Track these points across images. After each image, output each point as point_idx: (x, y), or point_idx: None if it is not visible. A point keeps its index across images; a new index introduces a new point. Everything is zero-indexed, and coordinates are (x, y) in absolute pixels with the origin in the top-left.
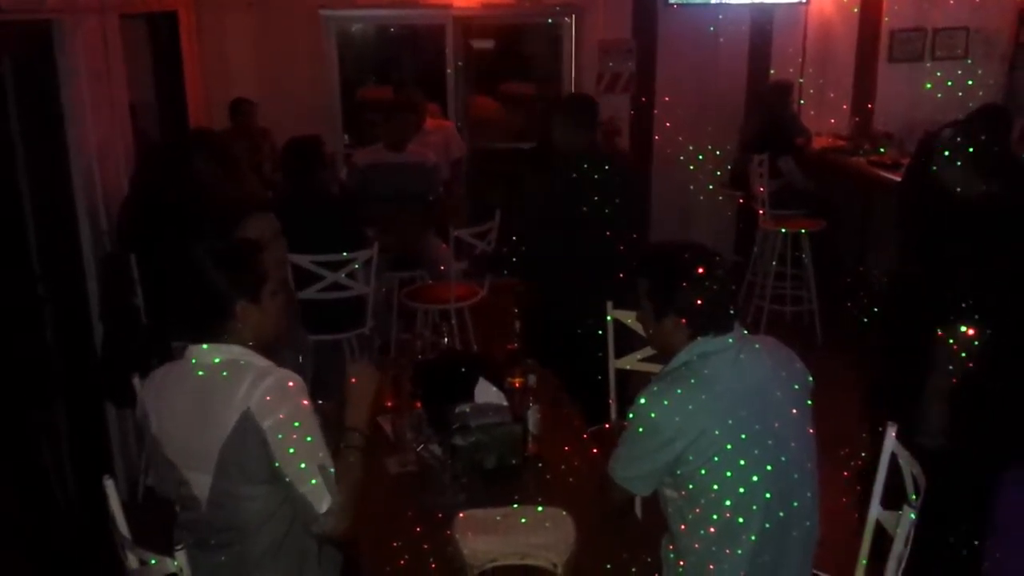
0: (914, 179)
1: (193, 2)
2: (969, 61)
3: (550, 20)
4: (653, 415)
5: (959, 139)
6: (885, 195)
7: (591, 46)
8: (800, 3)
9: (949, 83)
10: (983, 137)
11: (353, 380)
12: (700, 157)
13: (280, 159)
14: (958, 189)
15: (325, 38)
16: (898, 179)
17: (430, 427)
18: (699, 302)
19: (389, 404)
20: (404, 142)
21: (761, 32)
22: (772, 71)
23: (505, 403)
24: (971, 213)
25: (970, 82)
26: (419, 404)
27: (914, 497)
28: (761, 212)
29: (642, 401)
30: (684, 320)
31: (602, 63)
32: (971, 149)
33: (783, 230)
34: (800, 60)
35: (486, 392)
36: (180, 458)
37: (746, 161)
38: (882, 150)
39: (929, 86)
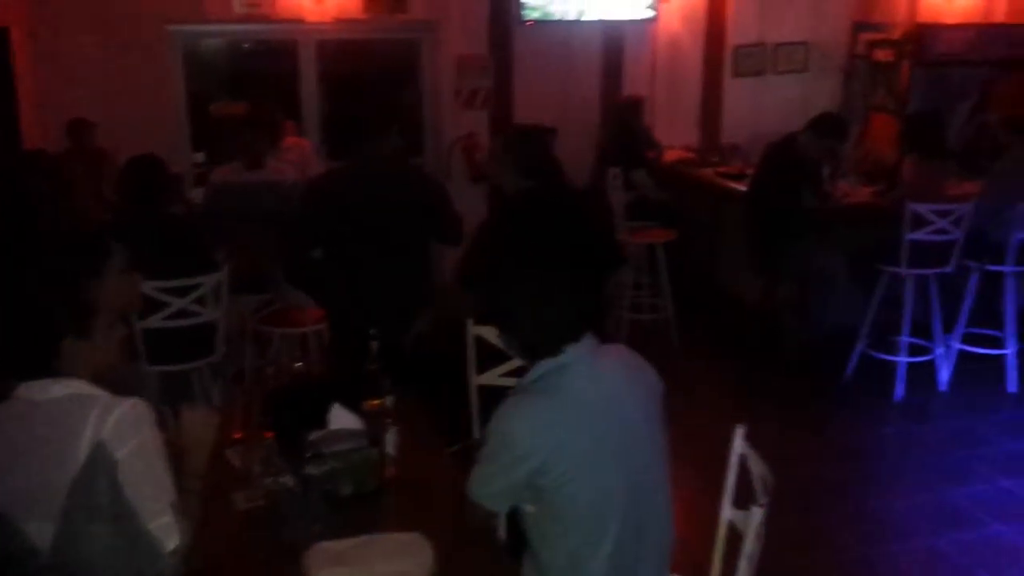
0: (761, 187)
1: (28, 18)
2: (808, 73)
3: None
4: (509, 431)
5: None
6: (733, 204)
7: (448, 62)
8: (648, 21)
9: (791, 96)
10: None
11: (190, 426)
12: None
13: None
14: None
15: (171, 54)
16: (744, 188)
17: (281, 457)
18: (554, 315)
19: (238, 436)
20: (261, 159)
21: (613, 49)
22: (624, 86)
23: (361, 427)
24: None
25: (810, 93)
26: (270, 434)
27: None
28: (617, 223)
29: (498, 417)
30: (540, 334)
31: (459, 79)
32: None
33: (638, 241)
34: (650, 76)
35: (341, 417)
36: (15, 508)
37: (602, 174)
38: (729, 162)
39: (773, 99)
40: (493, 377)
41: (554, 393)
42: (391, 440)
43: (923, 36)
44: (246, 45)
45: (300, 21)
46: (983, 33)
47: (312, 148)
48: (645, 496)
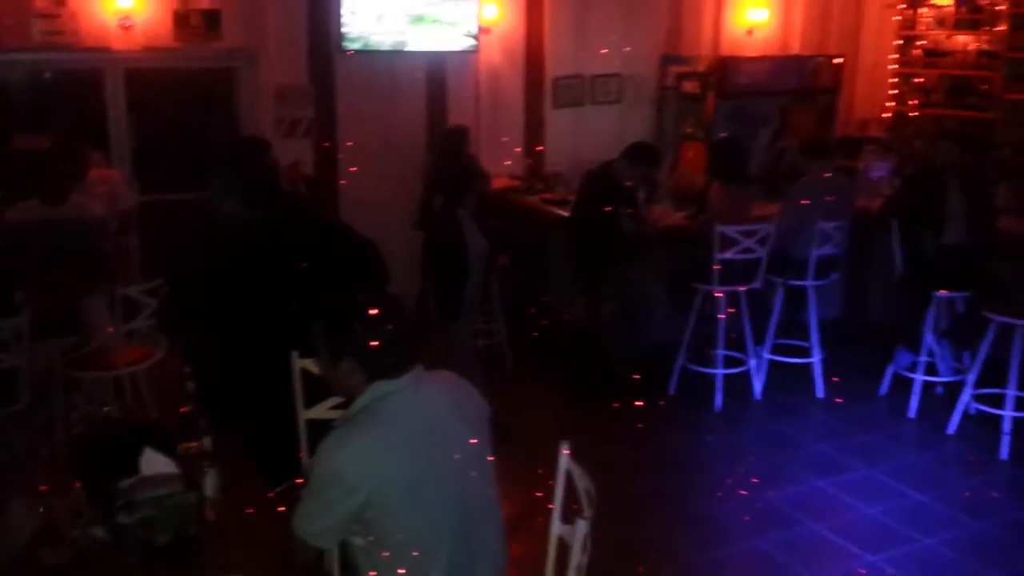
0: (582, 213)
1: None
2: (623, 104)
3: (221, 65)
4: (334, 465)
5: None
6: (557, 229)
7: (267, 91)
8: (470, 52)
9: (609, 125)
10: None
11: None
12: (389, 200)
13: None
14: None
15: None
16: (567, 214)
17: (91, 508)
18: (374, 344)
19: (43, 489)
20: (62, 194)
21: (436, 79)
22: (449, 116)
23: (177, 471)
24: None
25: (625, 123)
26: (77, 484)
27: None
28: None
29: (322, 452)
30: (360, 363)
31: (280, 108)
32: None
33: None
34: (475, 106)
35: (153, 462)
36: None
37: (430, 203)
38: (553, 189)
39: (591, 129)
40: (322, 411)
41: (378, 423)
42: (210, 483)
43: (726, 69)
44: (48, 74)
45: (106, 49)
46: (780, 65)
47: (123, 180)
48: (475, 519)
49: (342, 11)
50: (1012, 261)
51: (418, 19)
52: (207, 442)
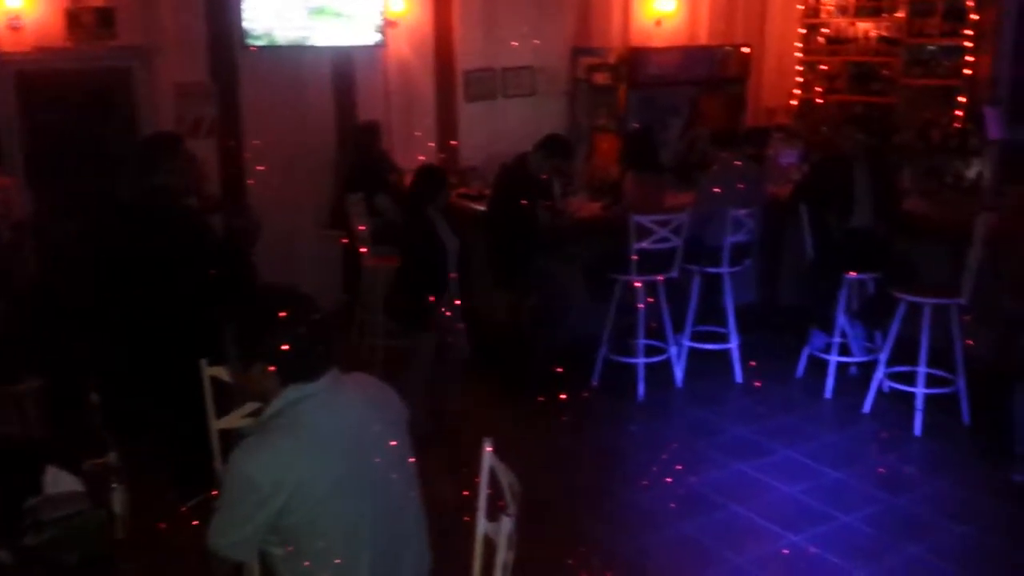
0: (498, 207)
1: None
2: (536, 96)
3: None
4: (248, 473)
5: None
6: (475, 224)
7: (167, 90)
8: (378, 46)
9: (522, 118)
10: None
11: None
12: (300, 199)
13: None
14: None
15: None
16: (484, 209)
17: None
18: (286, 347)
19: None
20: None
21: (344, 74)
22: (359, 112)
23: (83, 488)
24: None
25: (540, 116)
26: None
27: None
28: (364, 250)
29: (234, 460)
30: (273, 367)
31: (181, 107)
32: None
33: (387, 266)
34: (385, 100)
35: (58, 480)
36: None
37: (344, 200)
38: (469, 183)
39: (505, 121)
40: (236, 419)
41: (292, 429)
42: (119, 499)
43: (636, 60)
44: None
45: None
46: (689, 55)
47: (16, 186)
48: (397, 522)
49: (243, 5)
50: (918, 241)
51: (318, 12)
52: (113, 457)
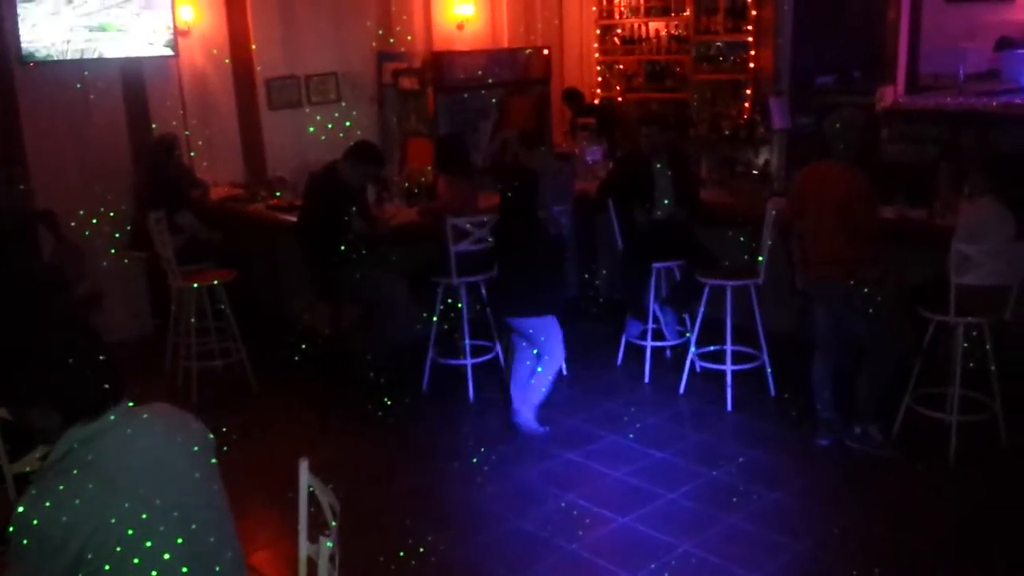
0: (310, 217)
1: None
2: (343, 103)
3: None
4: (36, 522)
5: None
6: (289, 236)
7: None
8: (169, 56)
9: (330, 125)
10: None
11: None
12: (95, 221)
13: None
14: None
15: None
16: (294, 219)
17: None
18: (61, 385)
19: None
20: None
21: (134, 87)
22: (154, 125)
23: None
24: None
25: (348, 123)
26: None
27: (333, 524)
28: (169, 270)
29: (20, 509)
30: (52, 407)
31: None
32: None
33: (195, 285)
34: (181, 112)
35: None
36: None
37: (144, 219)
38: (278, 194)
39: (312, 129)
40: (32, 462)
41: (85, 468)
42: None
43: (440, 63)
44: None
45: None
46: (492, 58)
47: None
48: (210, 556)
49: (19, 21)
50: (717, 228)
51: (101, 28)
52: None
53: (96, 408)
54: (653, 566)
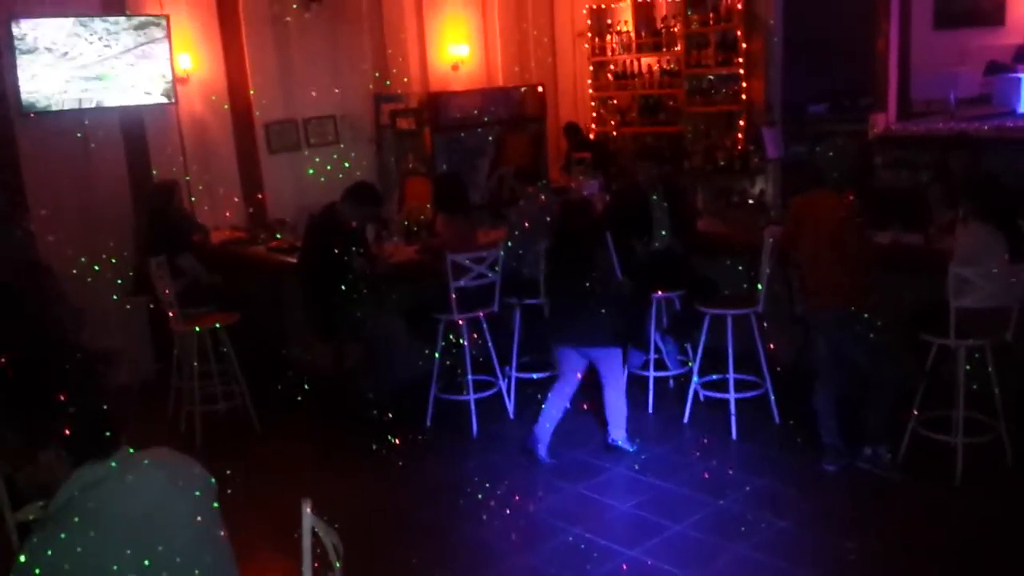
0: (311, 258)
1: None
2: (342, 145)
3: None
4: (38, 571)
5: None
6: (290, 278)
7: None
8: (168, 104)
9: (328, 167)
10: None
11: None
12: (96, 268)
13: None
14: None
15: None
16: (295, 261)
17: None
18: (76, 422)
19: None
20: None
21: (134, 135)
22: (155, 171)
23: None
24: None
25: (346, 164)
26: None
27: (337, 565)
28: (172, 314)
29: (22, 558)
30: (65, 446)
31: None
32: None
33: (197, 328)
34: (181, 158)
35: None
36: None
37: (146, 265)
38: (279, 236)
39: (311, 171)
40: (36, 510)
41: (86, 516)
42: None
43: (437, 104)
44: None
45: None
46: (488, 97)
47: None
48: None
49: (18, 72)
50: (714, 257)
51: (99, 78)
52: None
53: (105, 449)
54: None
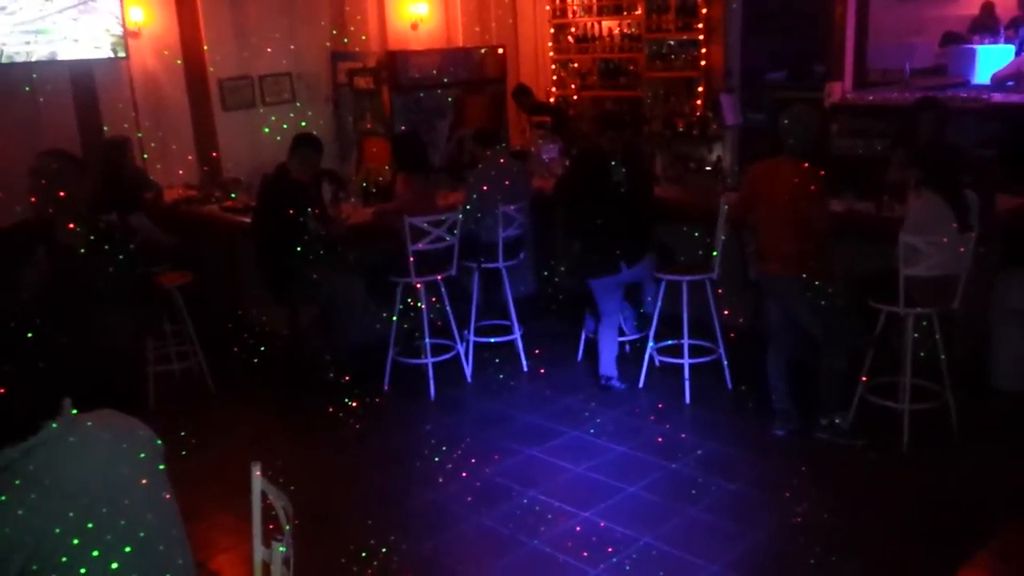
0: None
1: None
2: (298, 104)
3: None
4: None
5: None
6: (243, 237)
7: None
8: (120, 58)
9: (284, 126)
10: None
11: None
12: None
13: None
14: None
15: None
16: (250, 221)
17: None
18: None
19: None
20: None
21: (84, 90)
22: (106, 127)
23: None
24: None
25: (303, 123)
26: None
27: (287, 527)
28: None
29: None
30: None
31: None
32: None
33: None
34: (133, 114)
35: None
36: None
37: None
38: (233, 195)
39: (267, 130)
40: None
41: (27, 479)
42: None
43: (395, 63)
44: None
45: None
46: (447, 57)
47: None
48: (159, 563)
49: None
50: (671, 224)
51: (41, 32)
52: None
53: (41, 416)
54: (615, 559)
